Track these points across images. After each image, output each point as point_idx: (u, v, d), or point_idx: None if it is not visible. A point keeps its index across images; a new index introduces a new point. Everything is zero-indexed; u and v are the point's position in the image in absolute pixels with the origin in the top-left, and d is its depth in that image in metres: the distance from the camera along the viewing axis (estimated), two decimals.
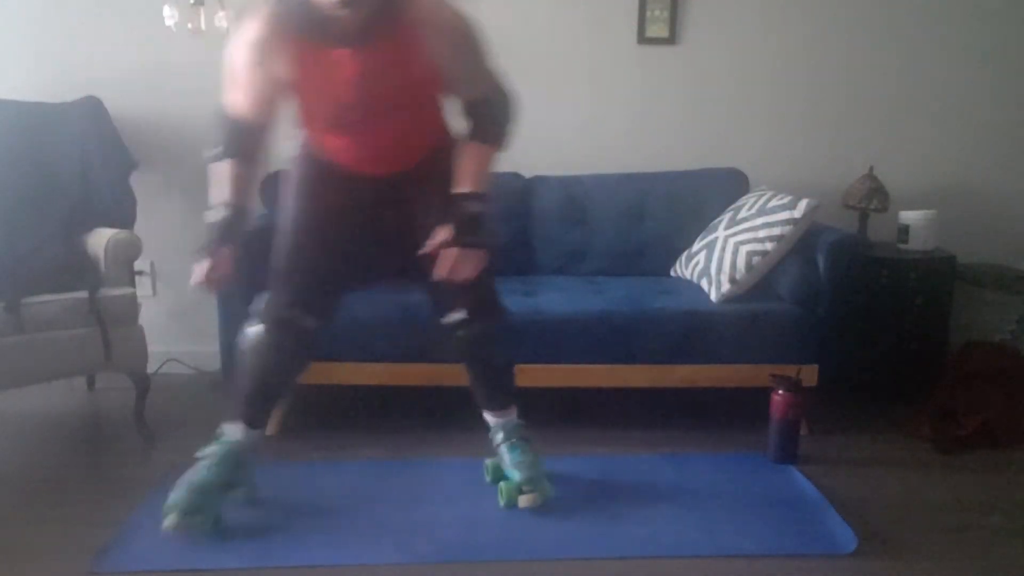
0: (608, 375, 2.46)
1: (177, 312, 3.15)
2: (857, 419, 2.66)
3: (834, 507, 2.01)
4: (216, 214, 1.82)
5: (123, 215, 2.76)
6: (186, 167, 3.06)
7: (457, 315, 1.93)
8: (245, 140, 1.83)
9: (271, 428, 2.49)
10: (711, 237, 2.67)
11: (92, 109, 2.80)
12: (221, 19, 2.84)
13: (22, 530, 1.91)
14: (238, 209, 1.84)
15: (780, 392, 2.28)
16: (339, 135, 1.86)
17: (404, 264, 1.95)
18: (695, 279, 2.67)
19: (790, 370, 2.35)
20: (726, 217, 2.69)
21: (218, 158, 1.83)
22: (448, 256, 1.78)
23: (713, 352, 2.44)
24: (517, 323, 2.22)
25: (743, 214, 2.61)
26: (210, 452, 1.92)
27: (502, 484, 2.02)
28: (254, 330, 1.91)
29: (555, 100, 3.09)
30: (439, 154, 1.91)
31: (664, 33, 3.05)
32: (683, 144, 3.12)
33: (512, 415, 2.10)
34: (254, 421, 1.96)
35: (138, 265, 2.71)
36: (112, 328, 2.37)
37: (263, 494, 2.06)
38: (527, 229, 2.94)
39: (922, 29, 3.07)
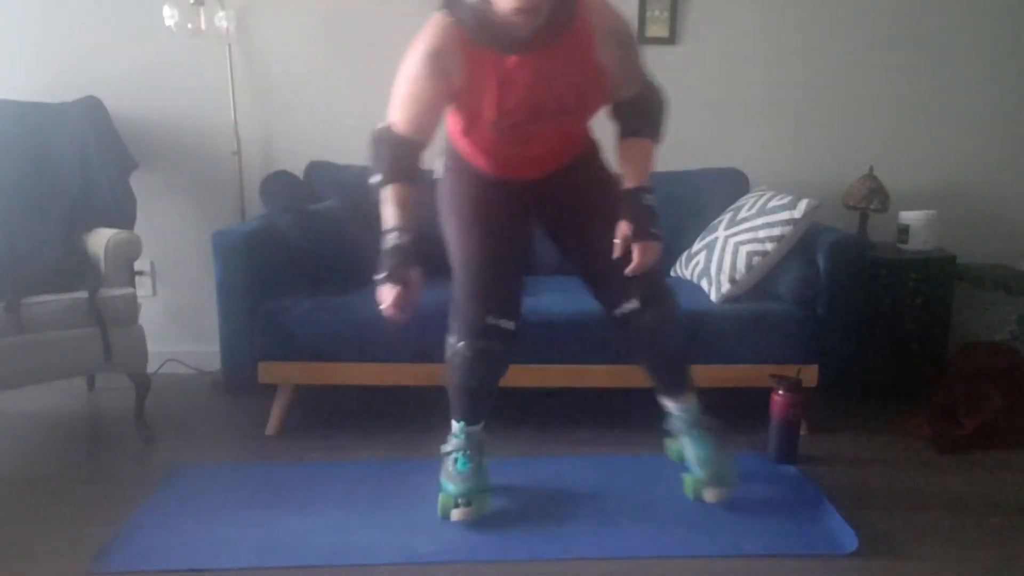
0: (608, 375, 2.46)
1: (177, 312, 3.15)
2: (857, 419, 2.66)
3: (834, 507, 2.01)
4: (394, 239, 1.80)
5: (123, 215, 2.76)
6: (186, 167, 3.07)
7: (630, 305, 1.92)
8: (410, 159, 1.83)
9: (271, 429, 2.49)
10: (711, 237, 2.67)
11: (92, 109, 2.81)
12: (221, 19, 2.84)
13: (22, 530, 1.91)
14: (413, 231, 1.83)
15: (780, 392, 2.28)
16: (500, 144, 1.87)
17: (567, 256, 2.04)
18: (695, 279, 2.67)
19: (790, 370, 2.35)
20: (726, 217, 2.68)
21: (387, 182, 1.83)
22: (636, 250, 1.84)
23: (713, 352, 2.44)
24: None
25: (743, 214, 2.61)
26: (454, 445, 1.98)
27: (686, 477, 2.04)
28: (458, 346, 1.90)
29: None
30: (584, 154, 2.01)
31: (664, 33, 3.05)
32: (683, 144, 3.09)
33: (692, 400, 2.07)
34: (473, 418, 2.01)
35: (138, 265, 2.71)
36: (112, 328, 2.37)
37: (263, 494, 2.06)
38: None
39: (922, 29, 3.07)
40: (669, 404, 2.09)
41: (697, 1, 3.04)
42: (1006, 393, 2.53)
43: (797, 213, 2.46)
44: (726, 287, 2.47)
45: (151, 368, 2.66)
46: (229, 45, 2.91)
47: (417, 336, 2.39)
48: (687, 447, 2.05)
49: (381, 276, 1.79)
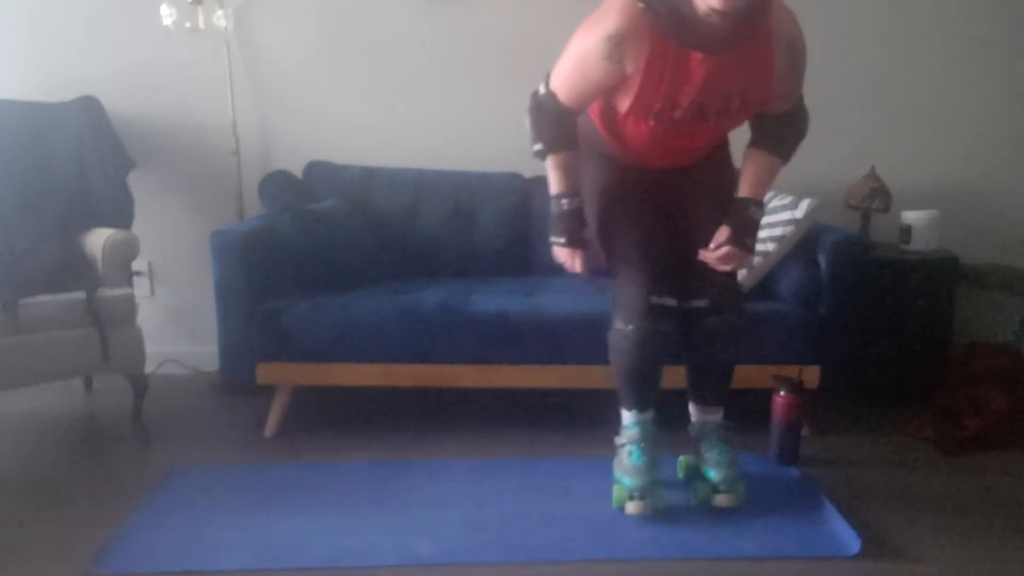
0: (608, 375, 2.44)
1: (175, 313, 3.14)
2: (859, 420, 2.65)
3: (836, 509, 1.99)
4: (566, 204, 1.93)
5: (121, 215, 2.75)
6: (184, 166, 3.06)
7: (698, 302, 1.93)
8: (569, 128, 1.90)
9: (269, 430, 2.48)
10: None
11: (89, 108, 2.79)
12: (219, 18, 2.83)
13: (19, 532, 1.90)
14: (580, 195, 1.95)
15: (782, 393, 2.27)
16: (654, 133, 1.86)
17: (663, 235, 2.02)
18: None
19: (792, 371, 2.33)
20: None
21: (550, 151, 1.91)
22: (724, 252, 1.86)
23: None
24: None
25: None
26: (627, 437, 1.98)
27: (696, 482, 2.03)
28: (627, 329, 1.89)
29: None
30: (716, 152, 2.04)
31: None
32: None
33: (718, 415, 2.08)
34: (644, 405, 2.00)
35: (136, 265, 2.70)
36: (110, 329, 2.36)
37: (263, 494, 2.05)
38: (527, 229, 2.93)
39: (925, 28, 3.06)
40: (700, 411, 2.09)
41: None
42: (1009, 394, 2.51)
43: (799, 213, 2.44)
44: None
45: (149, 369, 2.65)
46: (228, 44, 2.90)
47: (417, 336, 2.39)
48: (706, 450, 2.04)
49: (560, 240, 1.96)
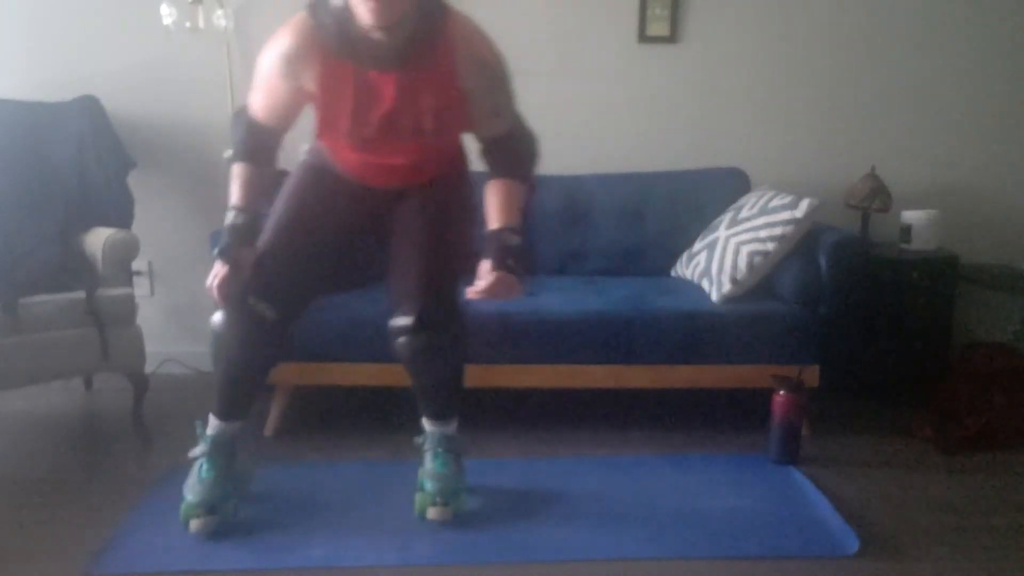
0: (608, 375, 2.45)
1: (175, 312, 3.14)
2: (859, 420, 2.65)
3: (836, 508, 1.99)
4: (232, 218, 1.84)
5: (121, 214, 2.75)
6: (184, 166, 3.06)
7: (403, 320, 1.88)
8: (260, 143, 1.86)
9: (269, 429, 2.48)
10: (712, 237, 2.65)
11: (89, 108, 2.79)
12: (219, 17, 2.83)
13: (18, 531, 1.90)
14: (252, 213, 1.86)
15: (781, 393, 2.27)
16: (354, 151, 1.85)
17: (384, 254, 1.97)
18: (696, 279, 2.65)
19: (791, 371, 2.33)
20: (727, 217, 2.67)
21: (236, 159, 1.87)
22: (489, 278, 1.79)
23: (714, 353, 2.43)
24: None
25: (744, 214, 2.60)
26: (200, 451, 1.92)
27: (417, 494, 1.95)
28: (218, 316, 1.87)
29: (555, 99, 3.08)
30: (450, 178, 1.96)
31: (665, 32, 3.04)
32: (684, 143, 3.11)
33: (451, 428, 2.03)
34: (226, 414, 1.94)
35: (136, 265, 2.69)
36: (110, 328, 2.36)
37: (263, 494, 2.05)
38: (527, 229, 2.92)
39: (925, 28, 3.06)
40: (425, 424, 2.04)
41: (698, 0, 3.03)
42: (1008, 394, 2.52)
43: (799, 212, 2.44)
44: (727, 287, 2.46)
45: (149, 368, 2.64)
46: (228, 44, 2.90)
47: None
48: (426, 462, 1.98)
49: (215, 252, 1.83)
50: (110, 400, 2.80)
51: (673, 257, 2.87)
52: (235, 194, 1.86)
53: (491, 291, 1.79)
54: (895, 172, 3.01)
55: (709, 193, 2.88)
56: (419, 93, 1.72)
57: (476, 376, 2.41)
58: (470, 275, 1.88)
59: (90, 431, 2.60)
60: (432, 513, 1.90)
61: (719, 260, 2.53)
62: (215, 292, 1.80)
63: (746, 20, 3.05)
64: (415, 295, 1.87)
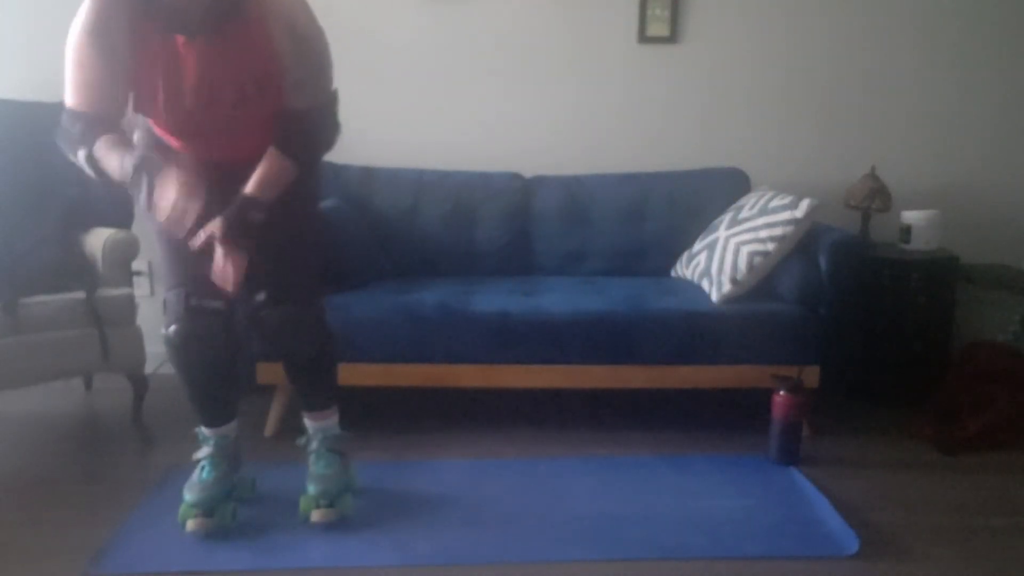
0: (608, 376, 2.45)
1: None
2: (859, 420, 2.64)
3: (836, 509, 1.99)
4: (131, 159, 1.61)
5: (120, 214, 2.74)
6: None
7: (258, 297, 1.84)
8: (103, 129, 1.66)
9: (269, 429, 2.48)
10: (712, 237, 2.65)
11: None
12: None
13: (18, 531, 1.90)
14: (148, 147, 1.68)
15: (781, 393, 2.26)
16: (178, 126, 1.75)
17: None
18: (696, 279, 2.65)
19: (792, 371, 2.33)
20: (727, 217, 2.67)
21: (92, 142, 1.65)
22: (217, 251, 1.67)
23: (714, 353, 2.43)
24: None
25: (744, 214, 2.60)
26: (202, 452, 1.92)
27: (301, 496, 1.94)
28: (167, 334, 1.81)
29: (555, 100, 3.08)
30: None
31: (665, 32, 3.04)
32: (684, 144, 3.11)
33: (331, 420, 2.02)
34: (214, 420, 1.94)
35: (136, 265, 2.69)
36: (110, 328, 2.36)
37: (263, 494, 2.05)
38: (527, 229, 2.93)
39: (925, 27, 3.06)
40: (310, 418, 2.02)
41: (698, 0, 3.03)
42: (1009, 394, 2.51)
43: (799, 213, 2.44)
44: (727, 287, 2.46)
45: (149, 369, 2.64)
46: None
47: (417, 336, 2.39)
48: (312, 463, 1.97)
49: (147, 184, 1.58)
50: (110, 400, 2.80)
51: (673, 257, 2.87)
52: (117, 154, 1.63)
53: (217, 267, 1.67)
54: (895, 172, 3.01)
55: (709, 193, 2.88)
56: (231, 60, 1.64)
57: (476, 376, 2.43)
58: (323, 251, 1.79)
59: (90, 431, 2.60)
60: (316, 516, 1.88)
61: (719, 260, 2.53)
62: (182, 225, 1.59)
63: (746, 20, 3.05)
64: (276, 271, 1.83)
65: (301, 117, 1.75)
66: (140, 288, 2.96)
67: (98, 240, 2.53)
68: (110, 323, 2.36)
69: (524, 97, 3.10)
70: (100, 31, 1.58)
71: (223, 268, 1.66)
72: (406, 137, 3.08)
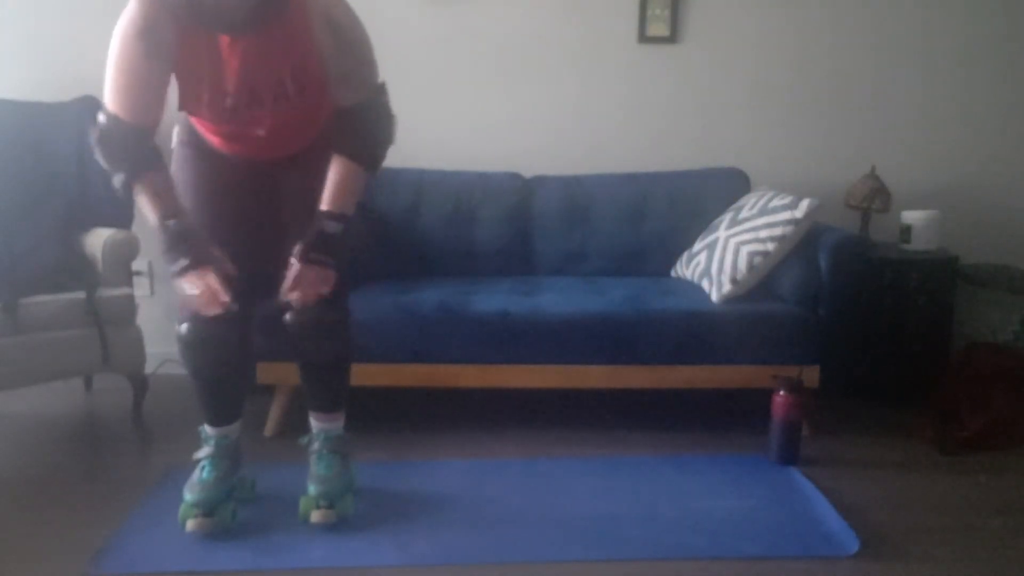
0: (608, 376, 2.45)
1: (175, 312, 3.12)
2: (859, 420, 2.64)
3: (836, 509, 1.99)
4: (174, 225, 1.68)
5: (120, 214, 2.74)
6: None
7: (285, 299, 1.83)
8: (146, 146, 1.69)
9: (269, 429, 2.48)
10: (712, 237, 2.65)
11: (89, 108, 2.78)
12: None
13: (19, 532, 1.90)
14: (185, 213, 1.73)
15: (781, 393, 2.26)
16: (221, 122, 1.78)
17: (267, 250, 1.87)
18: (696, 279, 2.65)
19: (791, 371, 2.33)
20: (727, 217, 2.67)
21: (135, 178, 1.68)
22: (294, 272, 1.73)
23: (714, 353, 2.43)
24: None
25: (744, 214, 2.60)
26: (203, 452, 1.92)
27: (302, 496, 1.93)
28: (179, 331, 1.83)
29: (555, 99, 3.08)
30: (324, 148, 1.81)
31: (665, 32, 3.04)
32: (684, 144, 3.11)
33: (338, 423, 2.01)
34: (220, 419, 1.94)
35: (136, 265, 2.69)
36: (109, 329, 2.36)
37: (263, 494, 2.05)
38: (527, 229, 2.93)
39: (924, 28, 3.06)
40: (317, 419, 2.01)
41: (698, 0, 3.03)
42: (1009, 394, 2.51)
43: (799, 213, 2.44)
44: (727, 287, 2.46)
45: (149, 369, 2.65)
46: None
47: (417, 336, 2.40)
48: (313, 463, 1.96)
49: (183, 263, 1.66)
50: (110, 401, 2.80)
51: (673, 257, 2.87)
52: (158, 206, 1.69)
53: (295, 286, 1.74)
54: (895, 172, 3.01)
55: (709, 193, 2.88)
56: (274, 57, 1.66)
57: (476, 376, 2.43)
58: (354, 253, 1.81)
59: (90, 432, 2.60)
60: (316, 516, 1.87)
61: (719, 260, 2.53)
62: (216, 306, 1.67)
63: (746, 20, 3.05)
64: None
65: (353, 115, 1.76)
66: (140, 288, 2.96)
67: (98, 240, 2.53)
68: (110, 323, 2.36)
69: (524, 97, 3.09)
70: (148, 32, 1.59)
71: (302, 284, 1.73)
72: (406, 137, 3.05)
